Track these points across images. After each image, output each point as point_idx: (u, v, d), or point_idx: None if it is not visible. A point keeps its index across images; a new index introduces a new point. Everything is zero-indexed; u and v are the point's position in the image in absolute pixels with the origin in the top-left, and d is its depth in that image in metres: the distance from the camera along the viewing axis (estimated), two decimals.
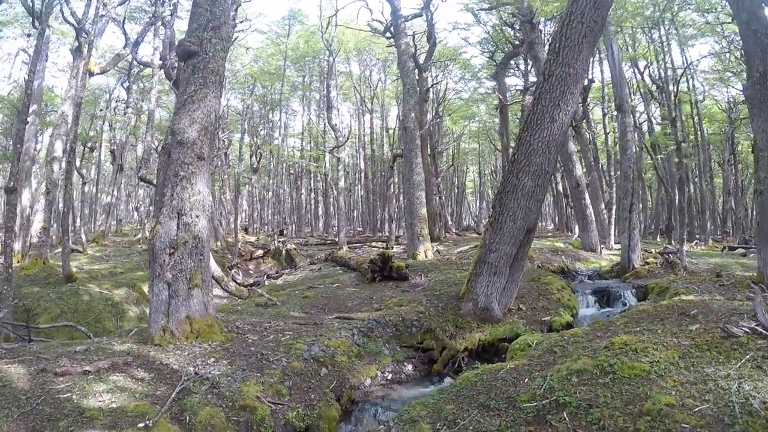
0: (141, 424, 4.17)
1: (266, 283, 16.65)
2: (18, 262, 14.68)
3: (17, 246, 15.58)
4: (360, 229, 40.00)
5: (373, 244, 24.37)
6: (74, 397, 4.54)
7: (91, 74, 18.80)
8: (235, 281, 16.21)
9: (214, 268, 13.21)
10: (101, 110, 30.17)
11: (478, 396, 4.70)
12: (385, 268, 11.57)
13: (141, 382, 4.97)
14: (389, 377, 6.69)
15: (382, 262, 11.63)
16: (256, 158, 33.09)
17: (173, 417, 4.44)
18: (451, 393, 4.88)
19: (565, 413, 4.15)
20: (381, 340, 7.32)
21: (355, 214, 45.03)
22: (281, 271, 19.67)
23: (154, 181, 12.46)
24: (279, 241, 24.26)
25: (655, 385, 4.22)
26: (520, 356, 5.74)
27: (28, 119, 16.61)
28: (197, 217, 6.75)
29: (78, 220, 23.63)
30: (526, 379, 4.83)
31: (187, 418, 4.45)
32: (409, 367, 7.10)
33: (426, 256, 15.76)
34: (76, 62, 15.59)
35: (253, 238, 28.99)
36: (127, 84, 26.34)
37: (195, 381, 5.02)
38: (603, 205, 21.16)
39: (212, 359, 5.62)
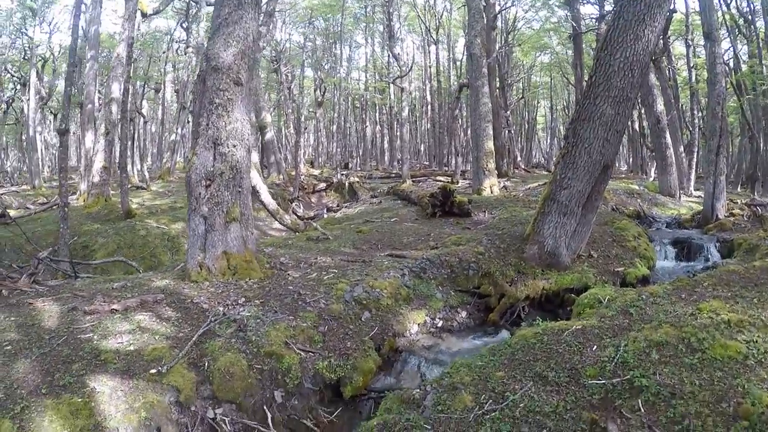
0: (153, 370, 3.81)
1: (325, 216, 16.44)
2: (83, 201, 15.15)
3: (83, 186, 16.12)
4: (426, 162, 38.96)
5: (438, 178, 23.44)
6: (95, 337, 4.26)
7: (144, 15, 18.68)
8: (295, 214, 16.07)
9: (269, 201, 12.94)
10: (163, 52, 30.33)
11: (536, 363, 3.90)
12: (446, 202, 10.90)
13: (166, 323, 4.64)
14: (439, 324, 6.05)
15: (443, 197, 10.95)
16: (320, 92, 32.50)
17: (191, 362, 4.06)
18: (503, 356, 4.11)
19: (640, 401, 3.27)
20: (434, 282, 6.64)
21: (421, 148, 43.84)
22: (342, 204, 19.46)
23: None
24: (342, 174, 24.00)
25: (754, 375, 3.28)
26: (588, 314, 4.89)
27: (87, 64, 16.80)
28: (234, 146, 6.25)
29: (143, 158, 24.14)
30: (595, 347, 3.97)
31: (206, 363, 4.06)
32: (463, 314, 6.41)
33: (491, 192, 14.96)
34: (128, 4, 15.45)
35: (317, 171, 28.88)
36: (186, 24, 26.17)
37: (221, 322, 4.62)
38: (682, 148, 19.18)
39: (243, 299, 5.21)
